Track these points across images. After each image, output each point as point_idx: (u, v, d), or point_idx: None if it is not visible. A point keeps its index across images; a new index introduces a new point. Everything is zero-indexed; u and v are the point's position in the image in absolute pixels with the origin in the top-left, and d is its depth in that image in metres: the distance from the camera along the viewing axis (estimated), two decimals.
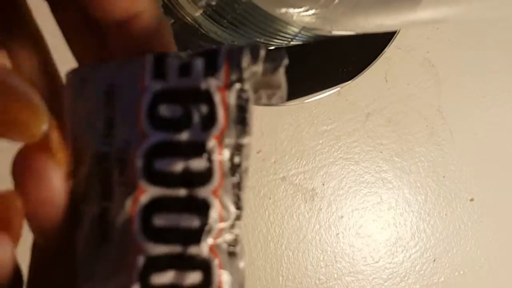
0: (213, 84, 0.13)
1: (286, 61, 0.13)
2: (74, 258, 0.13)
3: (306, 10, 0.24)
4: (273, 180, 0.37)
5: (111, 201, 0.13)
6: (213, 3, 0.30)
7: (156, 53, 0.13)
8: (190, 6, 0.31)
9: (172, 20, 0.32)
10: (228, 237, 0.13)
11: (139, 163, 0.13)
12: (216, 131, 0.13)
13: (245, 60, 0.13)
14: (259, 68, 0.13)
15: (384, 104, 0.39)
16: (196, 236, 0.13)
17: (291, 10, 0.25)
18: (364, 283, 0.38)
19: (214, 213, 0.13)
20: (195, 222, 0.13)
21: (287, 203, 0.37)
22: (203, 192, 0.13)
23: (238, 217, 0.13)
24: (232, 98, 0.13)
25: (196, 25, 0.32)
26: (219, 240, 0.13)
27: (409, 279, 0.39)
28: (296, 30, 0.28)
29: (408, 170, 0.39)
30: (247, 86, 0.13)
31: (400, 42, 0.39)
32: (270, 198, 0.37)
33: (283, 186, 0.37)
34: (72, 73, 0.14)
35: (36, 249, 0.15)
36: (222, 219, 0.13)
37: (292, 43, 0.30)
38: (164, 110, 0.13)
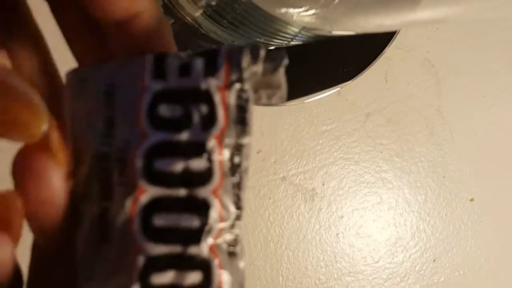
0: (213, 84, 0.13)
1: (286, 61, 0.13)
2: (74, 258, 0.13)
3: (306, 10, 0.24)
4: (273, 180, 0.37)
5: (111, 201, 0.13)
6: (213, 3, 0.30)
7: (156, 53, 0.13)
8: (190, 6, 0.31)
9: (172, 20, 0.32)
10: (228, 237, 0.13)
11: (139, 163, 0.13)
12: (216, 131, 0.13)
13: (245, 60, 0.13)
14: (259, 68, 0.13)
15: (384, 104, 0.39)
16: (196, 236, 0.13)
17: (291, 10, 0.25)
18: (364, 283, 0.38)
19: (214, 213, 0.13)
20: (195, 222, 0.13)
21: (287, 203, 0.37)
22: (203, 192, 0.13)
23: (238, 217, 0.13)
24: (232, 98, 0.13)
25: (196, 25, 0.32)
26: (219, 240, 0.13)
27: (409, 279, 0.39)
28: (296, 30, 0.28)
29: (408, 170, 0.39)
30: (247, 86, 0.13)
31: (400, 42, 0.39)
32: (270, 198, 0.37)
33: (283, 186, 0.37)
34: (72, 73, 0.14)
35: (36, 249, 0.15)
36: (222, 219, 0.13)
37: (292, 43, 0.30)
38: (164, 110, 0.13)
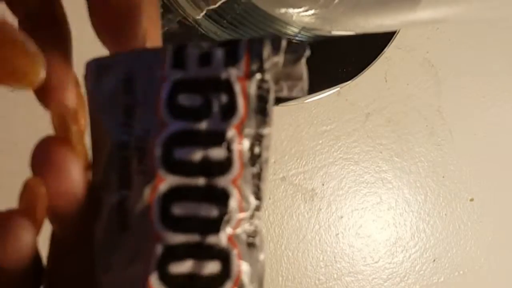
0: (233, 73, 0.13)
1: (307, 53, 0.13)
2: (92, 248, 0.13)
3: (306, 10, 0.24)
4: (273, 180, 0.37)
5: (130, 190, 0.13)
6: (216, 6, 0.30)
7: (176, 43, 0.13)
8: (191, 8, 0.31)
9: (172, 20, 0.32)
10: (247, 227, 0.13)
11: (158, 151, 0.13)
12: (236, 120, 0.13)
13: (266, 51, 0.13)
14: (280, 59, 0.13)
15: (384, 104, 0.39)
16: (214, 225, 0.13)
17: (291, 10, 0.25)
18: (363, 283, 0.38)
19: (233, 202, 0.13)
20: (214, 212, 0.13)
21: (286, 203, 0.37)
22: (223, 181, 0.13)
23: (257, 208, 0.13)
24: (252, 88, 0.13)
25: (196, 25, 0.32)
26: (238, 231, 0.13)
27: (408, 279, 0.39)
28: (296, 30, 0.28)
29: (408, 170, 0.39)
30: (268, 76, 0.13)
31: (400, 42, 0.39)
32: (270, 198, 0.37)
33: (282, 186, 0.37)
34: (92, 63, 0.14)
35: (54, 239, 0.15)
36: (241, 209, 0.13)
37: None
38: (183, 99, 0.13)
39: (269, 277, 0.37)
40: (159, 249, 0.12)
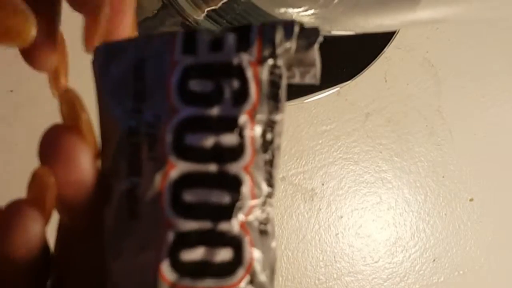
0: (245, 59, 0.13)
1: (320, 38, 0.13)
2: (101, 236, 0.13)
3: (306, 10, 0.24)
4: None
5: (140, 176, 0.13)
6: (216, 7, 0.30)
7: (187, 29, 0.13)
8: (191, 8, 0.31)
9: (176, 22, 0.32)
10: (259, 214, 0.13)
11: (169, 137, 0.12)
12: (248, 106, 0.13)
13: (279, 36, 0.13)
14: (292, 44, 0.13)
15: (383, 104, 0.39)
16: (226, 212, 0.12)
17: (291, 10, 0.25)
18: (363, 283, 0.38)
19: (245, 189, 0.13)
20: (225, 198, 0.12)
21: (286, 203, 0.37)
22: (234, 167, 0.13)
23: (270, 195, 0.13)
24: (264, 73, 0.13)
25: (196, 25, 0.32)
26: (250, 218, 0.13)
27: (408, 279, 0.39)
28: None
29: (407, 170, 0.39)
30: (280, 62, 0.13)
31: (400, 42, 0.39)
32: None
33: (282, 186, 0.37)
34: (101, 48, 0.14)
35: (61, 228, 0.15)
36: (253, 196, 0.13)
37: None
38: (194, 84, 0.13)
39: None
40: (170, 236, 0.12)
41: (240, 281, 0.12)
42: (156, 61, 0.13)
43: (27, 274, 0.13)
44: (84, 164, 0.13)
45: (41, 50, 0.14)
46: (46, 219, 0.13)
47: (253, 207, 0.13)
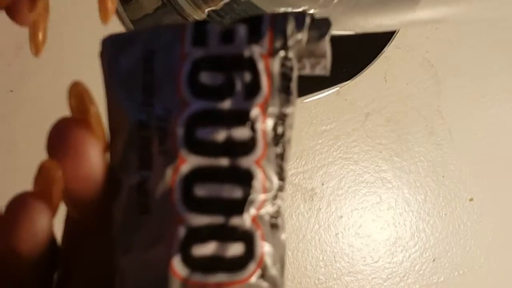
0: (256, 51, 0.12)
1: (332, 29, 0.13)
2: (110, 232, 0.13)
3: (305, 10, 0.24)
4: None
5: (151, 171, 0.13)
6: (216, 7, 0.30)
7: (196, 20, 0.13)
8: (191, 8, 0.31)
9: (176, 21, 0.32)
10: (270, 208, 0.13)
11: (180, 131, 0.12)
12: (259, 99, 0.12)
13: (290, 27, 0.13)
14: (304, 36, 0.13)
15: (383, 104, 0.39)
16: (238, 206, 0.12)
17: (290, 10, 0.25)
18: (363, 283, 0.38)
19: (257, 183, 0.12)
20: (237, 193, 0.12)
21: (286, 203, 0.37)
22: (246, 161, 0.12)
23: (281, 188, 0.13)
24: (276, 66, 0.13)
25: None
26: (262, 211, 0.13)
27: (408, 279, 0.39)
28: None
29: (407, 170, 0.39)
30: (292, 54, 0.13)
31: (400, 41, 0.39)
32: None
33: None
34: (108, 40, 0.14)
35: (69, 221, 0.14)
36: (265, 190, 0.13)
37: None
38: (205, 77, 0.13)
39: None
40: (182, 231, 0.12)
41: (251, 275, 0.12)
42: (165, 53, 0.13)
43: (34, 268, 0.13)
44: (93, 158, 0.13)
45: (22, 4, 0.14)
46: (53, 212, 0.12)
47: (264, 201, 0.13)
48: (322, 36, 0.13)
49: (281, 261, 0.13)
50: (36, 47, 0.16)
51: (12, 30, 0.33)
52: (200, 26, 0.13)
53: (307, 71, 0.13)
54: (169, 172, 0.12)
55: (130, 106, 0.13)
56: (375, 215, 0.39)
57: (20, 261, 0.12)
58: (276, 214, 0.13)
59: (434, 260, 0.40)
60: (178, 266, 0.12)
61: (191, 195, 0.12)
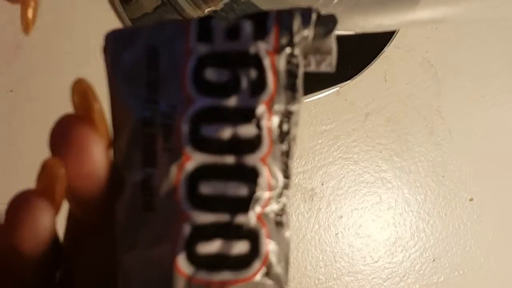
0: (262, 48, 0.12)
1: (337, 26, 0.13)
2: (113, 231, 0.13)
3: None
4: None
5: (155, 168, 0.13)
6: (216, 7, 0.30)
7: (201, 16, 0.13)
8: (191, 8, 0.31)
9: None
10: (275, 206, 0.13)
11: (185, 128, 0.12)
12: (265, 96, 0.12)
13: (296, 24, 0.12)
14: (310, 32, 0.13)
15: (383, 104, 0.39)
16: (244, 204, 0.12)
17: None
18: (363, 283, 0.38)
19: (262, 181, 0.12)
20: (243, 190, 0.12)
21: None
22: (252, 159, 0.12)
23: (286, 186, 0.13)
24: (281, 63, 0.13)
25: None
26: (267, 209, 0.13)
27: (408, 279, 0.39)
28: None
29: (407, 170, 0.39)
30: (298, 51, 0.13)
31: (399, 41, 0.39)
32: None
33: None
34: (111, 35, 0.13)
35: (72, 220, 0.14)
36: (270, 188, 0.13)
37: None
38: (210, 74, 0.12)
39: None
40: (186, 229, 0.12)
41: (256, 273, 0.12)
42: (169, 49, 0.13)
43: (36, 266, 0.13)
44: (96, 156, 0.12)
45: None
46: (56, 210, 0.12)
47: (269, 198, 0.13)
48: (328, 32, 0.13)
49: (285, 259, 0.13)
50: (26, 24, 0.16)
51: (11, 30, 0.33)
52: (205, 22, 0.13)
53: (312, 68, 0.13)
54: (173, 169, 0.12)
55: (134, 102, 0.13)
56: (375, 215, 0.39)
57: (23, 260, 0.12)
58: (281, 212, 0.13)
59: (434, 260, 0.40)
60: (183, 264, 0.12)
61: (196, 193, 0.12)
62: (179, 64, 0.13)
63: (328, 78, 0.35)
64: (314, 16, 0.13)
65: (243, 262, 0.12)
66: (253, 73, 0.12)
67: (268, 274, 0.13)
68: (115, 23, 0.34)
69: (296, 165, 0.38)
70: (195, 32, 0.13)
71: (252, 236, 0.12)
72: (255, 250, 0.12)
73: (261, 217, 0.13)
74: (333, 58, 0.13)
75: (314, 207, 0.38)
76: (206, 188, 0.12)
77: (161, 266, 0.12)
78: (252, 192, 0.12)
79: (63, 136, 0.12)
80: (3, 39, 0.33)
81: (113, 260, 0.13)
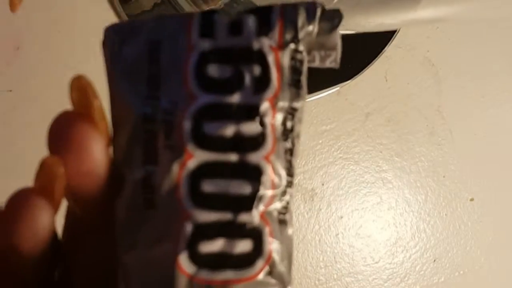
0: (266, 43, 0.12)
1: (343, 21, 0.13)
2: (112, 229, 0.13)
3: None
4: None
5: (156, 165, 0.12)
6: (216, 7, 0.30)
7: (204, 10, 0.13)
8: (191, 8, 0.31)
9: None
10: (278, 204, 0.13)
11: (187, 125, 0.12)
12: (269, 93, 0.12)
13: (301, 19, 0.12)
14: (314, 27, 0.12)
15: (384, 104, 0.39)
16: (247, 203, 0.12)
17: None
18: (364, 284, 0.38)
19: (266, 179, 0.12)
20: (246, 189, 0.12)
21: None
22: (255, 157, 0.12)
23: (289, 184, 0.13)
24: (286, 59, 0.12)
25: None
26: (270, 208, 0.12)
27: (409, 280, 0.39)
28: None
29: (408, 170, 0.39)
30: (302, 46, 0.12)
31: (400, 41, 0.39)
32: None
33: None
34: (111, 29, 0.13)
35: (70, 218, 0.14)
36: (274, 186, 0.12)
37: None
38: (213, 70, 0.12)
39: None
40: (188, 227, 0.12)
41: (259, 272, 0.12)
42: (171, 44, 0.12)
43: (35, 265, 0.12)
44: (96, 153, 0.12)
45: None
46: (55, 209, 0.12)
47: (273, 197, 0.12)
48: (333, 28, 0.13)
49: (288, 258, 0.13)
50: (13, 3, 0.15)
51: (11, 30, 0.33)
52: (207, 17, 0.12)
53: (316, 64, 0.13)
54: (175, 167, 0.12)
55: (134, 98, 0.13)
56: (375, 216, 0.39)
57: (21, 259, 0.12)
58: (284, 210, 0.13)
59: (434, 260, 0.39)
60: (184, 263, 0.12)
61: (198, 191, 0.12)
62: (181, 59, 0.12)
63: (329, 78, 0.35)
64: (319, 11, 0.12)
65: (246, 261, 0.12)
66: (256, 70, 0.12)
67: (271, 273, 0.12)
68: (113, 21, 0.34)
69: (296, 165, 0.37)
70: (197, 27, 0.12)
71: (255, 235, 0.12)
72: (258, 249, 0.12)
73: (265, 215, 0.12)
74: (338, 54, 0.13)
75: (315, 207, 0.38)
76: (208, 186, 0.12)
77: (162, 265, 0.12)
78: (256, 190, 0.12)
79: (62, 133, 0.12)
80: (3, 39, 0.33)
81: (113, 259, 0.13)
